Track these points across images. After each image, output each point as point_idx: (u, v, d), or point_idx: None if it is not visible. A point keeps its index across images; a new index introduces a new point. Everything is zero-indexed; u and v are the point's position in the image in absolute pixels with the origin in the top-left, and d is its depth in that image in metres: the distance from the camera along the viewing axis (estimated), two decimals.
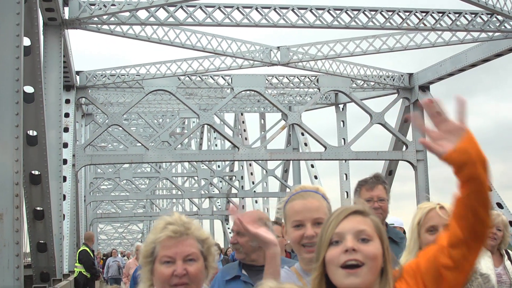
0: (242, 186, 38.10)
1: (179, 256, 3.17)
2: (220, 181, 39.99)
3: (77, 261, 17.05)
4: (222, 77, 22.31)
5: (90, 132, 30.29)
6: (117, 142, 34.87)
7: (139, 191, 40.27)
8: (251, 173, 37.66)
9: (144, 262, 3.25)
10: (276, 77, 22.83)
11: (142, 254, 3.25)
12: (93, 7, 15.41)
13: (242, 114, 34.46)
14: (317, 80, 22.69)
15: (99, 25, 16.45)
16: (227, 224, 45.75)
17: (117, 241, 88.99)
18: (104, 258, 32.30)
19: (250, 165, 37.14)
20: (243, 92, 23.32)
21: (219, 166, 38.01)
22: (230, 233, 42.47)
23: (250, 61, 20.10)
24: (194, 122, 36.12)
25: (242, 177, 38.40)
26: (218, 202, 44.21)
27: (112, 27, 16.85)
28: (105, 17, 15.70)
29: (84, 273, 17.01)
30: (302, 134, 28.16)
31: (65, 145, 18.21)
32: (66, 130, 18.49)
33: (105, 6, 15.37)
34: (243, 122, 35.34)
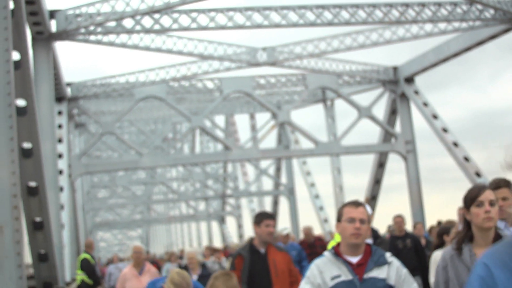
0: (237, 187, 38.12)
1: None
2: (215, 183, 40.01)
3: (79, 269, 17.00)
4: (210, 80, 22.32)
5: (84, 142, 30.21)
6: (111, 150, 34.84)
7: (135, 197, 40.25)
8: (245, 173, 37.71)
9: None
10: (263, 78, 22.84)
11: None
12: (79, 18, 15.37)
13: (232, 116, 34.48)
14: (304, 78, 22.71)
15: (86, 36, 16.39)
16: (223, 224, 45.79)
17: (117, 247, 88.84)
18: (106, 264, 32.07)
19: (243, 165, 37.17)
20: (232, 94, 23.31)
21: (213, 168, 38.02)
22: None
23: (237, 63, 20.08)
24: (185, 126, 36.09)
25: (236, 178, 38.42)
26: (214, 204, 44.26)
27: (99, 37, 16.79)
28: (91, 27, 15.66)
29: (86, 280, 16.96)
30: (292, 132, 28.19)
31: (60, 156, 18.19)
32: (60, 141, 18.47)
33: (91, 17, 15.33)
34: (233, 123, 35.35)
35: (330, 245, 11.74)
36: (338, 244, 5.01)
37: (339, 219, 4.99)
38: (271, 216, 7.92)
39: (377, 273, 4.81)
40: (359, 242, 4.86)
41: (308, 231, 15.79)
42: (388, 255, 4.96)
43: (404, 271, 4.93)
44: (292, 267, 7.74)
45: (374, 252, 4.94)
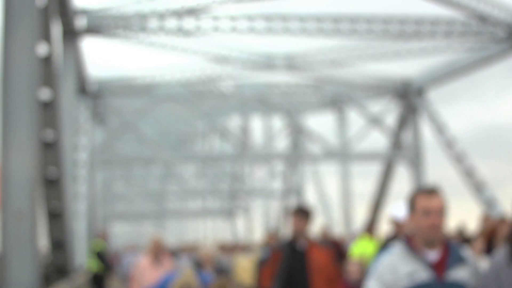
0: (247, 186, 38.16)
1: None
2: (227, 181, 40.05)
3: (93, 257, 17.04)
4: (228, 83, 22.36)
5: (103, 135, 30.31)
6: (128, 144, 34.98)
7: (150, 190, 40.35)
8: (256, 173, 37.72)
9: None
10: (279, 84, 22.91)
11: None
12: (105, 16, 15.41)
13: (247, 117, 34.48)
14: (319, 85, 22.72)
15: (111, 34, 16.41)
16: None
17: (132, 237, 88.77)
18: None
19: (255, 166, 37.17)
20: (248, 96, 23.32)
21: (226, 166, 38.03)
22: None
23: (254, 67, 20.06)
24: (201, 125, 36.17)
25: (247, 177, 38.44)
26: (225, 201, 44.37)
27: (123, 35, 16.80)
28: (117, 26, 15.69)
29: (99, 268, 17.00)
30: (305, 136, 28.15)
31: (81, 148, 18.28)
32: (81, 133, 18.55)
33: (116, 16, 15.37)
34: (248, 125, 35.35)
35: (355, 250, 11.54)
36: (411, 236, 4.26)
37: (411, 209, 4.23)
38: (300, 211, 7.12)
39: (458, 273, 4.10)
40: (438, 236, 4.13)
41: (325, 230, 14.82)
42: (465, 250, 4.28)
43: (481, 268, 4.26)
44: (332, 265, 7.01)
45: (453, 247, 4.20)
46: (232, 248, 17.75)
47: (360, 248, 11.06)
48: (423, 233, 4.14)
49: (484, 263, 4.24)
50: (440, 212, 4.13)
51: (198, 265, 8.67)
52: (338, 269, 7.18)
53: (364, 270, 7.98)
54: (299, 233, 7.00)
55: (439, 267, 4.08)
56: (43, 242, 10.84)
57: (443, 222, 4.13)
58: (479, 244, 8.73)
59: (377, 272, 4.21)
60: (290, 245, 7.01)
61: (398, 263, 4.14)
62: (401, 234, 6.83)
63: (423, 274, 4.06)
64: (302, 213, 7.07)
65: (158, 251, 9.70)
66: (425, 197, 4.16)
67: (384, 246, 6.99)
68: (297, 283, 6.84)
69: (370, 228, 11.51)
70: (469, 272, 4.12)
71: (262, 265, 7.12)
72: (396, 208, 7.21)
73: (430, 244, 4.15)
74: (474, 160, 19.89)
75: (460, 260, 4.13)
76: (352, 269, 8.03)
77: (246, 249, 16.75)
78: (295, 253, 6.93)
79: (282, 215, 33.84)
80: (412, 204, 4.22)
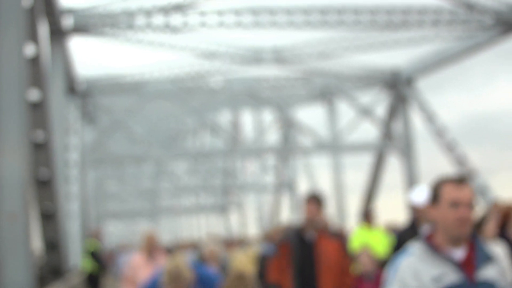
0: (240, 181, 38.15)
1: None
2: (219, 176, 40.05)
3: (87, 257, 17.00)
4: (217, 78, 22.32)
5: (94, 134, 30.25)
6: (119, 142, 34.97)
7: (143, 188, 40.31)
8: (248, 168, 37.73)
9: None
10: (268, 78, 22.89)
11: None
12: (92, 15, 15.37)
13: (237, 112, 34.48)
14: (308, 77, 22.71)
15: (99, 32, 16.35)
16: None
17: (125, 236, 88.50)
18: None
19: (247, 160, 37.16)
20: (237, 91, 23.31)
21: (217, 162, 38.02)
22: None
23: (242, 61, 20.05)
24: (192, 121, 36.16)
25: (240, 172, 38.44)
26: (218, 196, 44.37)
27: (110, 33, 16.75)
28: (104, 24, 15.64)
29: (94, 268, 16.96)
30: (296, 129, 28.16)
31: (71, 148, 18.24)
32: (71, 133, 18.51)
33: (103, 14, 15.32)
34: (238, 119, 35.34)
35: (356, 240, 11.48)
36: (430, 234, 3.74)
37: (435, 200, 3.70)
38: (314, 198, 6.75)
39: (488, 272, 3.62)
40: (466, 231, 3.61)
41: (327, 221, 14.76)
42: (491, 247, 3.76)
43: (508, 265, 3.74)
44: (342, 256, 6.66)
45: (479, 243, 3.71)
46: (228, 243, 17.75)
47: (361, 238, 11.01)
48: (450, 228, 3.64)
49: (498, 248, 3.99)
50: (469, 204, 3.64)
51: (202, 261, 8.51)
52: (348, 261, 6.84)
53: (374, 260, 7.85)
54: (312, 220, 6.64)
55: (468, 267, 3.61)
56: (36, 243, 10.80)
57: (472, 215, 3.63)
58: (492, 228, 8.66)
59: (397, 277, 3.68)
60: (299, 236, 6.66)
61: (420, 267, 3.65)
62: (421, 219, 6.78)
63: (452, 277, 3.59)
64: (316, 200, 6.75)
65: (152, 248, 9.29)
66: (453, 186, 3.67)
67: (403, 233, 6.93)
68: (306, 276, 6.53)
69: (368, 216, 11.43)
70: (498, 270, 3.65)
71: (265, 260, 6.83)
72: (415, 193, 7.08)
73: (456, 241, 3.66)
74: (464, 149, 19.95)
75: (488, 258, 3.65)
76: (364, 261, 7.78)
77: (241, 243, 16.75)
78: (303, 245, 6.60)
79: (275, 209, 33.86)
80: (437, 194, 3.72)
